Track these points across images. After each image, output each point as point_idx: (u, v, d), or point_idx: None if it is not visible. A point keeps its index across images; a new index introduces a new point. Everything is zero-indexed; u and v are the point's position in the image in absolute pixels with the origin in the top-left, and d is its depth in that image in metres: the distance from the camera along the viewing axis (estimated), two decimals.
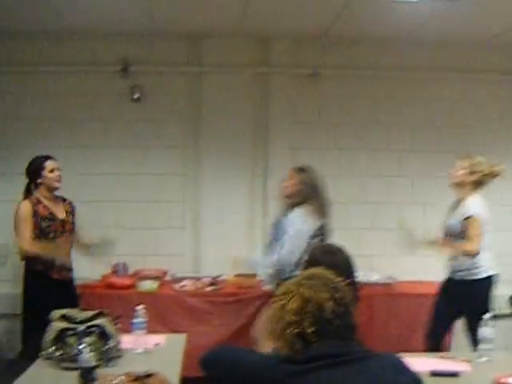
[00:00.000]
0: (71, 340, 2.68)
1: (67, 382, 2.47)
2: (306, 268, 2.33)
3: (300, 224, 3.67)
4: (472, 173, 3.83)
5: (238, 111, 4.90)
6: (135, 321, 2.91)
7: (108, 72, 4.84)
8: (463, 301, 3.79)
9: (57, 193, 3.93)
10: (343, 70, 4.96)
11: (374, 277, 4.65)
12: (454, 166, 3.88)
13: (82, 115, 4.88)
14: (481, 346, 2.91)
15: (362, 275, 4.55)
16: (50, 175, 3.85)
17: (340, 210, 4.29)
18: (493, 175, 3.85)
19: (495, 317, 3.45)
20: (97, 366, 2.46)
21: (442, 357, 2.94)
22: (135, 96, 4.84)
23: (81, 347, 2.50)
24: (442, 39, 4.84)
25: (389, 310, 4.50)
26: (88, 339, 2.55)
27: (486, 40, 4.81)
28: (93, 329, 2.70)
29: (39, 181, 3.86)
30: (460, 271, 3.82)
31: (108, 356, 2.66)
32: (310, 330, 1.79)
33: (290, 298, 1.83)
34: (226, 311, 4.30)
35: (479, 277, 3.76)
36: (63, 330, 2.71)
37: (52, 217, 3.85)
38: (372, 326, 4.27)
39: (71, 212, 4.00)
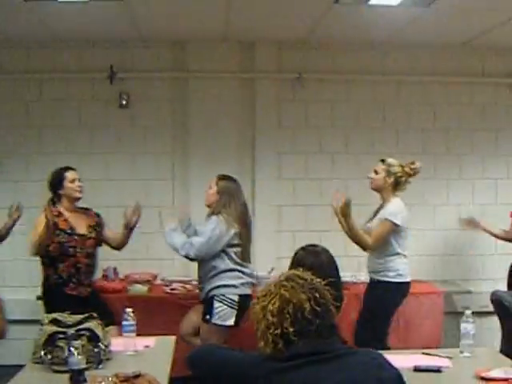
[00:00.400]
0: (61, 343, 2.70)
1: None
2: (290, 269, 2.38)
3: (210, 232, 3.80)
4: (388, 175, 3.92)
5: (225, 116, 4.95)
6: (124, 323, 2.94)
7: (95, 79, 4.89)
8: (367, 298, 3.91)
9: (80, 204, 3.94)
10: (327, 74, 5.03)
11: (363, 277, 4.69)
12: (371, 171, 3.97)
13: (70, 122, 4.93)
14: (462, 342, 2.96)
15: (350, 275, 4.64)
16: (71, 185, 3.86)
17: (326, 213, 4.34)
18: (409, 175, 3.94)
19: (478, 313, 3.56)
20: (86, 368, 2.49)
21: (425, 353, 2.99)
22: (122, 102, 4.88)
23: (71, 350, 2.53)
24: (420, 43, 4.94)
25: None
26: (78, 342, 2.57)
27: (464, 43, 4.92)
28: (82, 332, 2.73)
29: (61, 192, 3.86)
30: (375, 272, 3.92)
31: (98, 358, 2.69)
32: (290, 330, 1.85)
33: (271, 300, 1.89)
34: None
35: (391, 280, 3.84)
36: (53, 334, 2.75)
37: (72, 231, 3.81)
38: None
39: (96, 225, 3.94)
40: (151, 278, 4.80)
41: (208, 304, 3.90)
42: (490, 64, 5.17)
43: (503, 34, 4.56)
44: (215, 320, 3.88)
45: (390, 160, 3.95)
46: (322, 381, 1.79)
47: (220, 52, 4.92)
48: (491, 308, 4.01)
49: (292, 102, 5.04)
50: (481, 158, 5.23)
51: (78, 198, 3.91)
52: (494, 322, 4.11)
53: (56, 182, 3.87)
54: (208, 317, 3.89)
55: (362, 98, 5.11)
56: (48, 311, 3.60)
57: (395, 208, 3.86)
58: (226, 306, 3.86)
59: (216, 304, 3.88)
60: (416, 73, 5.10)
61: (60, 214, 3.83)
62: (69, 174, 3.88)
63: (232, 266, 3.90)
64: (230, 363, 1.94)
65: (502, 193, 5.22)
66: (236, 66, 4.97)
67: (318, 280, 1.98)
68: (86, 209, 4.00)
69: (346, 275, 4.47)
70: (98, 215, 4.01)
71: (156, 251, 4.89)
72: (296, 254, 2.59)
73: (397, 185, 3.93)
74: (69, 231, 3.81)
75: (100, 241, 3.97)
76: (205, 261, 3.90)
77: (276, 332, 1.86)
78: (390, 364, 1.90)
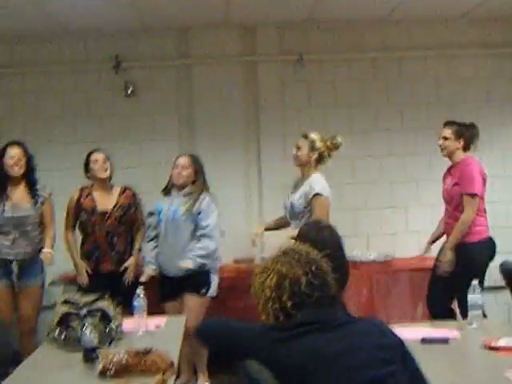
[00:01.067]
0: (74, 323, 2.76)
1: (72, 363, 2.55)
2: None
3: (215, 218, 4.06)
4: (312, 151, 3.92)
5: (229, 100, 4.94)
6: (135, 303, 2.97)
7: (100, 69, 4.92)
8: None
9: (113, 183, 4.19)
10: (329, 53, 5.01)
11: (372, 255, 4.69)
12: (294, 148, 3.98)
13: (78, 112, 4.96)
14: (470, 313, 2.95)
15: (359, 254, 4.64)
16: (93, 167, 4.08)
17: (333, 192, 4.34)
18: (331, 149, 3.95)
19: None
20: (99, 347, 2.53)
21: (433, 325, 2.99)
22: (128, 91, 4.90)
23: (83, 329, 2.56)
24: (420, 17, 4.89)
25: (388, 287, 4.56)
26: (90, 321, 2.61)
27: (467, 14, 4.88)
28: (94, 312, 2.77)
29: (88, 174, 4.12)
30: None
31: (110, 337, 2.74)
32: (289, 304, 1.87)
33: (268, 275, 1.92)
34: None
35: None
36: (67, 314, 2.79)
37: (93, 210, 4.04)
38: (373, 303, 4.33)
39: (129, 205, 4.11)
40: None
41: (204, 277, 3.95)
42: (492, 35, 5.11)
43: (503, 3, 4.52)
44: (211, 293, 3.99)
45: (312, 135, 3.95)
46: (325, 348, 1.80)
47: (221, 37, 4.92)
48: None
49: (295, 83, 5.02)
50: (488, 130, 5.19)
51: (101, 178, 4.08)
52: (509, 296, 4.08)
53: (85, 166, 4.12)
54: (205, 290, 3.96)
55: (364, 76, 5.08)
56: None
57: (322, 183, 3.87)
58: (217, 278, 4.00)
59: (213, 277, 4.00)
60: (417, 47, 5.05)
61: (89, 195, 4.09)
62: (92, 157, 4.10)
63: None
64: (237, 334, 1.96)
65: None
66: (238, 50, 4.96)
67: (316, 253, 1.99)
68: (126, 188, 4.18)
69: (355, 254, 4.53)
70: (134, 195, 4.18)
71: None
72: (300, 229, 2.60)
73: (320, 160, 3.94)
74: (90, 210, 4.04)
75: (128, 220, 4.11)
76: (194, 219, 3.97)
77: (275, 306, 1.88)
78: (391, 331, 1.91)
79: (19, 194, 4.02)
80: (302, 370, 1.78)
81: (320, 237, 2.43)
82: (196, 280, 3.95)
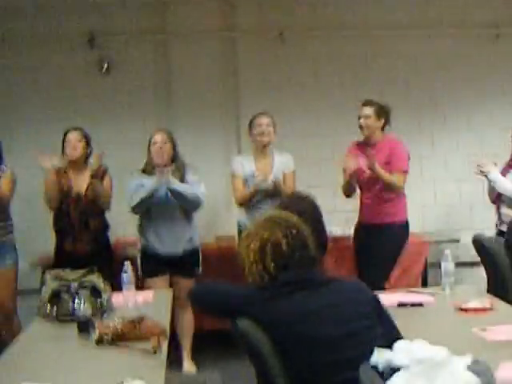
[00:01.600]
0: (65, 297, 3.02)
1: (67, 335, 2.81)
2: None
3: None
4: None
5: (208, 77, 5.22)
6: (123, 275, 3.24)
7: (74, 45, 5.13)
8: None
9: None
10: (309, 30, 5.28)
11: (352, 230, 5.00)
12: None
13: (52, 90, 5.15)
14: (444, 280, 3.31)
15: (340, 230, 4.96)
16: (66, 147, 4.26)
17: (314, 168, 4.67)
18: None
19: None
20: (92, 318, 2.81)
21: (409, 291, 3.34)
22: (104, 68, 5.12)
23: (76, 301, 2.85)
24: None
25: None
26: (82, 294, 2.89)
27: None
28: (85, 285, 3.05)
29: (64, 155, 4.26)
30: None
31: (101, 309, 3.00)
32: (272, 266, 2.20)
33: (252, 240, 2.24)
34: None
35: None
36: (57, 289, 3.06)
37: (67, 191, 4.24)
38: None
39: (96, 184, 4.23)
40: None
41: (194, 255, 4.29)
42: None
43: None
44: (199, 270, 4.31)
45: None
46: (309, 304, 2.13)
47: (200, 11, 5.17)
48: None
49: (275, 60, 5.30)
50: (490, 107, 5.53)
51: (74, 159, 4.24)
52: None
53: (62, 145, 4.27)
54: (197, 270, 4.30)
55: (343, 53, 5.38)
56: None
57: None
58: None
59: (200, 254, 4.34)
60: (393, 26, 5.38)
61: (64, 175, 4.24)
62: (66, 136, 4.27)
63: None
64: (229, 296, 2.28)
65: None
66: (217, 26, 5.22)
67: (296, 218, 2.32)
68: (100, 168, 4.29)
69: (335, 229, 4.86)
70: (104, 172, 4.30)
71: None
72: (282, 200, 2.93)
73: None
74: (65, 191, 4.21)
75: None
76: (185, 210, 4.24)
77: (260, 268, 2.21)
78: (368, 290, 2.26)
79: None
80: (287, 325, 2.11)
81: (302, 207, 2.77)
82: (189, 261, 4.26)
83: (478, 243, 3.84)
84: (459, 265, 3.84)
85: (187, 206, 4.25)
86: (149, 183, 4.16)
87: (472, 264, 4.74)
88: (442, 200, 5.58)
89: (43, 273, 4.11)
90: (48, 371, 2.38)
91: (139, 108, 5.23)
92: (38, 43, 5.11)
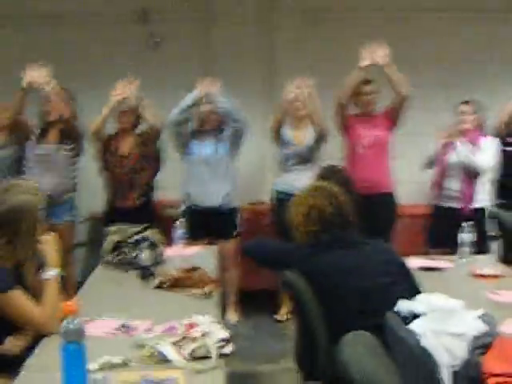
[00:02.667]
0: (126, 249, 3.38)
1: (128, 280, 3.18)
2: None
3: None
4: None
5: (247, 54, 5.49)
6: (175, 232, 3.60)
7: (128, 21, 5.44)
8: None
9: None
10: (341, 13, 5.56)
11: None
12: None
13: (105, 61, 5.47)
14: (461, 249, 3.59)
15: None
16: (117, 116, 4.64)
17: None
18: None
19: None
20: (152, 265, 3.17)
21: (430, 258, 3.64)
22: (153, 42, 5.45)
23: (137, 252, 3.21)
24: None
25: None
26: (142, 245, 3.25)
27: None
28: (143, 239, 3.41)
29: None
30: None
31: (157, 260, 3.36)
32: (315, 228, 2.55)
33: (300, 205, 2.60)
34: None
35: None
36: (119, 242, 3.42)
37: (115, 152, 4.63)
38: None
39: (142, 143, 4.64)
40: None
41: (232, 216, 4.65)
42: None
43: None
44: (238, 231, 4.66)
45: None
46: (345, 260, 2.47)
47: None
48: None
49: (309, 39, 5.57)
50: (491, 87, 5.73)
51: (124, 127, 4.64)
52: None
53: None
54: (235, 232, 4.65)
55: (376, 34, 5.58)
56: (105, 222, 4.44)
57: None
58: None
59: (238, 215, 4.71)
60: (425, 8, 5.61)
61: (114, 137, 4.64)
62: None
63: None
64: (278, 250, 2.64)
65: None
66: (256, 7, 5.51)
67: (337, 189, 2.66)
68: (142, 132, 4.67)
69: None
70: (148, 132, 4.65)
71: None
72: (321, 171, 3.29)
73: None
74: (113, 151, 4.58)
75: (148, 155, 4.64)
76: (224, 158, 4.61)
77: (306, 229, 2.54)
78: (393, 250, 2.59)
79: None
80: (325, 276, 2.45)
81: (339, 177, 3.14)
82: (227, 223, 4.62)
83: (494, 217, 4.13)
84: None
85: (233, 121, 4.61)
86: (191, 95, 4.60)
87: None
88: None
89: (101, 228, 4.55)
90: (118, 307, 2.68)
91: (184, 81, 5.50)
92: (93, 20, 5.43)
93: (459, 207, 4.39)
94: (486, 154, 4.42)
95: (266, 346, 4.38)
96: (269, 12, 5.52)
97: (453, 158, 4.45)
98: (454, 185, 4.47)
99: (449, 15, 5.62)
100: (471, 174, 4.40)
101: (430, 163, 4.62)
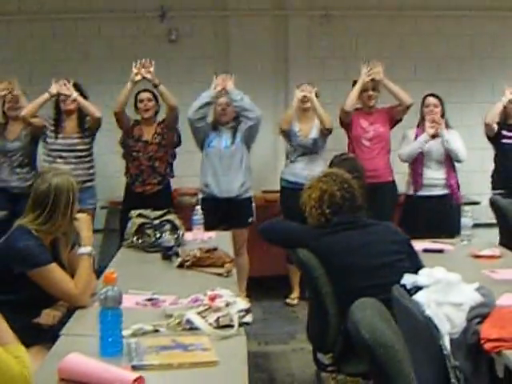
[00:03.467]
0: (149, 231, 3.53)
1: (150, 260, 3.34)
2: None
3: None
4: None
5: (261, 49, 5.64)
6: (194, 218, 3.76)
7: (148, 17, 5.61)
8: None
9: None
10: (352, 10, 5.69)
11: None
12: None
13: (127, 55, 5.58)
14: (462, 233, 3.74)
15: None
16: (139, 105, 4.85)
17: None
18: None
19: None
20: (175, 246, 3.32)
21: (433, 241, 3.77)
22: (171, 38, 5.60)
23: (159, 234, 3.36)
24: None
25: None
26: (165, 227, 3.41)
27: None
28: (165, 222, 3.56)
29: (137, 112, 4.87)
30: None
31: (178, 242, 3.51)
32: (327, 211, 2.70)
33: (313, 190, 2.76)
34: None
35: None
36: (142, 224, 3.57)
37: (138, 138, 4.81)
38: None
39: (161, 132, 4.82)
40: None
41: (247, 205, 4.78)
42: None
43: None
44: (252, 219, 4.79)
45: None
46: (354, 240, 2.62)
47: None
48: None
49: (320, 36, 5.72)
50: (491, 83, 5.86)
51: (146, 118, 4.81)
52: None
53: (134, 104, 4.85)
54: (250, 220, 4.77)
55: (381, 31, 5.75)
56: (123, 206, 4.64)
57: None
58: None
59: (253, 204, 4.82)
60: (431, 8, 5.73)
61: (136, 124, 4.84)
62: (138, 96, 4.83)
63: None
64: (292, 230, 2.79)
65: None
66: (270, 5, 5.67)
67: (347, 175, 2.81)
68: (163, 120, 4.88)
69: None
70: (163, 121, 4.85)
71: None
72: (334, 160, 3.45)
73: None
74: (136, 137, 4.75)
75: (167, 144, 4.84)
76: (240, 150, 4.75)
77: (318, 212, 2.69)
78: (400, 231, 2.73)
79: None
80: (336, 255, 2.60)
81: (350, 165, 3.29)
82: (242, 211, 4.76)
83: (495, 204, 4.26)
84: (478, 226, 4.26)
85: (247, 113, 4.73)
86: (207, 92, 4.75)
87: (489, 225, 5.12)
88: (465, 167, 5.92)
89: (118, 215, 4.71)
90: (142, 284, 2.80)
91: (200, 75, 5.65)
92: (115, 17, 5.60)
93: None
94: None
95: (277, 328, 4.53)
96: (282, 9, 5.67)
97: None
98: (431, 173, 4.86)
99: (461, 14, 5.77)
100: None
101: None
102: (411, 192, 4.83)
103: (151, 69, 4.73)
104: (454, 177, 4.82)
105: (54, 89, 4.71)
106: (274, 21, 5.68)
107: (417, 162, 4.80)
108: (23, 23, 5.58)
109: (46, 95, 4.71)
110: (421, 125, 4.85)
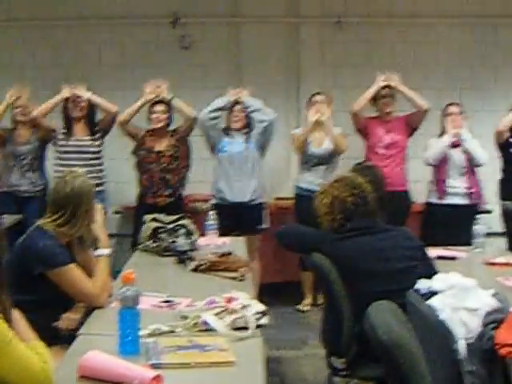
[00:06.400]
0: (163, 236, 3.58)
1: (165, 264, 3.38)
2: None
3: None
4: None
5: (273, 57, 5.70)
6: (207, 223, 3.81)
7: (160, 24, 5.68)
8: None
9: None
10: (363, 18, 5.75)
11: None
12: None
13: (139, 62, 5.70)
14: (475, 240, 3.77)
15: None
16: (151, 116, 4.88)
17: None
18: None
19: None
20: (188, 250, 3.37)
21: (447, 248, 3.79)
22: (184, 44, 5.67)
23: (174, 238, 3.41)
24: None
25: None
26: (179, 232, 3.45)
27: None
28: (179, 227, 3.61)
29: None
30: None
31: (192, 246, 3.56)
32: (338, 217, 2.74)
33: (325, 196, 2.79)
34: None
35: None
36: (156, 228, 3.62)
37: (150, 149, 4.83)
38: None
39: (175, 144, 4.85)
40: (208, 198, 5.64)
41: (259, 211, 4.83)
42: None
43: None
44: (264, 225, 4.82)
45: None
46: (368, 246, 2.66)
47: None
48: None
49: (333, 43, 5.77)
50: (505, 91, 5.89)
51: (157, 127, 4.83)
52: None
53: (148, 114, 4.87)
54: (261, 227, 4.82)
55: (394, 39, 5.81)
56: (136, 215, 4.68)
57: None
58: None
59: (264, 211, 4.86)
60: (443, 15, 5.79)
61: (149, 135, 4.85)
62: (152, 108, 4.84)
63: None
64: (307, 236, 2.84)
65: None
66: (282, 12, 5.74)
67: (360, 179, 2.85)
68: (176, 130, 4.91)
69: None
70: (175, 131, 4.89)
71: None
72: (354, 168, 3.50)
73: None
74: (148, 148, 4.79)
75: (179, 157, 4.86)
76: (252, 156, 4.80)
77: (330, 218, 2.73)
78: (415, 238, 2.76)
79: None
80: (350, 260, 2.64)
81: (366, 171, 3.34)
82: (254, 217, 4.81)
83: (506, 211, 4.29)
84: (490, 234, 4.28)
85: (262, 116, 4.80)
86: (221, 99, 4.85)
87: (501, 234, 5.14)
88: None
89: (130, 220, 4.76)
90: (157, 287, 2.82)
91: (212, 82, 5.72)
92: (127, 23, 5.68)
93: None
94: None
95: (289, 334, 4.56)
96: (295, 16, 5.74)
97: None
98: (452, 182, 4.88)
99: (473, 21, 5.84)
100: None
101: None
102: (435, 200, 4.84)
103: (164, 86, 4.80)
104: (476, 185, 4.82)
105: (66, 91, 4.78)
106: (286, 28, 5.75)
107: (440, 171, 4.84)
108: (36, 29, 5.68)
109: (59, 97, 4.80)
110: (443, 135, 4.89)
